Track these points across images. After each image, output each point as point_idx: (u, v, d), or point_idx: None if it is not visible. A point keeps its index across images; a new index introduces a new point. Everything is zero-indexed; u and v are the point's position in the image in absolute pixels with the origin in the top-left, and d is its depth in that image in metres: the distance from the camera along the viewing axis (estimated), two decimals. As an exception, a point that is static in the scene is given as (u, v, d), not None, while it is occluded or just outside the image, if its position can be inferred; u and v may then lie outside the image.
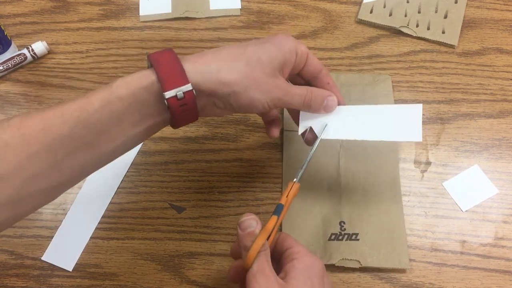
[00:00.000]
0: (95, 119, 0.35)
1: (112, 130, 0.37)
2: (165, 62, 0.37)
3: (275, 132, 0.48)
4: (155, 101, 0.37)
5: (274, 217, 0.39)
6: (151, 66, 0.38)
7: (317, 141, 0.45)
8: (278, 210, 0.40)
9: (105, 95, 0.36)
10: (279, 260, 0.40)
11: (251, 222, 0.38)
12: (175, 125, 0.41)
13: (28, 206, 0.36)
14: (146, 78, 0.37)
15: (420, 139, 0.44)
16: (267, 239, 0.38)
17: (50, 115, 0.35)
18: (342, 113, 0.45)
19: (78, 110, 0.35)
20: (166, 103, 0.37)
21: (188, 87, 0.37)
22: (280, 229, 0.51)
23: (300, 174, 0.43)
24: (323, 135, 0.45)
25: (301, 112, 0.46)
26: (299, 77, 0.45)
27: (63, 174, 0.36)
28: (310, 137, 0.46)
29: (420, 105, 0.45)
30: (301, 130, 0.46)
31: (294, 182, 0.42)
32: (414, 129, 0.45)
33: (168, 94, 0.36)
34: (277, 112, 0.49)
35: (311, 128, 0.45)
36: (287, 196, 0.41)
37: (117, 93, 0.36)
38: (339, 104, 0.45)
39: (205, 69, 0.38)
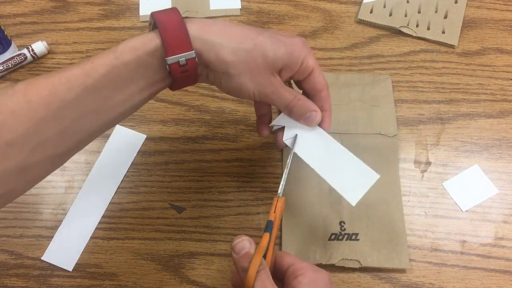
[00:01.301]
0: (100, 85, 0.35)
1: (117, 96, 0.36)
2: (170, 26, 0.36)
3: (265, 130, 0.47)
4: (159, 66, 0.37)
5: (267, 234, 0.39)
6: (153, 25, 0.37)
7: (291, 154, 0.44)
8: (269, 226, 0.40)
9: (110, 60, 0.35)
10: (282, 279, 0.39)
11: (244, 244, 0.38)
12: (174, 88, 0.40)
13: (37, 173, 0.36)
14: (150, 42, 0.36)
15: (353, 203, 0.44)
16: (264, 257, 0.37)
17: (55, 81, 0.34)
18: (316, 134, 0.45)
19: (83, 76, 0.35)
20: (167, 68, 0.36)
21: (191, 54, 0.36)
22: (280, 232, 0.51)
23: (282, 188, 0.43)
24: (295, 148, 0.45)
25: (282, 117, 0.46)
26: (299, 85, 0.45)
27: (70, 140, 0.36)
28: (279, 136, 0.46)
29: (377, 176, 0.44)
30: (274, 122, 0.46)
31: (279, 196, 0.42)
32: (356, 191, 0.44)
33: (171, 59, 0.36)
34: (269, 108, 0.49)
35: (283, 128, 0.45)
36: (274, 212, 0.41)
37: (122, 58, 0.35)
38: (322, 127, 0.45)
39: (210, 39, 0.37)
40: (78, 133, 0.36)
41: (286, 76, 0.42)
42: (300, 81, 0.44)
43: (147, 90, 0.38)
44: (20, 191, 0.36)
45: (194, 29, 0.37)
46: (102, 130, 0.38)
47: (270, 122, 0.48)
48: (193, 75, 0.38)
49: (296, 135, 0.45)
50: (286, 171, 0.44)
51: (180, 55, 0.36)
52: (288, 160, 0.45)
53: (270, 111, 0.48)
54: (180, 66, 0.37)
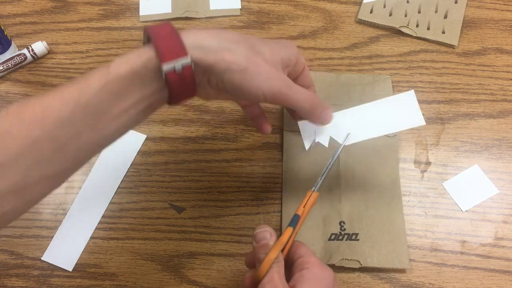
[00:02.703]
0: (95, 101, 0.34)
1: (112, 111, 0.36)
2: (163, 35, 0.36)
3: (267, 127, 0.47)
4: (154, 77, 0.36)
5: (290, 229, 0.39)
6: (147, 41, 0.37)
7: (340, 148, 0.44)
8: (294, 221, 0.39)
9: (103, 75, 0.35)
10: (290, 267, 0.39)
11: (265, 234, 0.38)
12: (172, 101, 0.40)
13: (34, 194, 0.36)
14: (144, 54, 0.36)
15: (423, 122, 0.45)
16: (282, 250, 0.38)
17: (49, 100, 0.34)
18: (341, 119, 0.46)
19: (77, 92, 0.34)
20: (163, 76, 0.36)
21: (186, 59, 0.36)
22: (280, 232, 0.51)
23: (319, 183, 0.42)
24: (346, 142, 0.45)
25: (300, 127, 0.45)
26: None
27: (67, 159, 0.35)
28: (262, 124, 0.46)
29: (412, 91, 0.46)
30: (307, 145, 0.46)
31: (313, 191, 0.41)
32: (414, 114, 0.45)
33: (166, 66, 0.35)
34: (260, 108, 0.48)
35: (317, 142, 0.46)
36: (304, 206, 0.40)
37: (116, 72, 0.35)
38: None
39: (206, 44, 0.37)
40: (75, 151, 0.36)
41: (285, 73, 0.42)
42: (293, 80, 0.43)
43: (143, 102, 0.37)
44: (20, 211, 0.36)
45: (187, 38, 0.37)
46: (99, 147, 0.38)
47: (266, 118, 0.48)
48: (191, 83, 0.37)
49: (349, 134, 0.46)
50: (329, 167, 0.43)
51: (176, 60, 0.35)
52: (336, 153, 0.45)
53: (262, 109, 0.48)
54: (176, 74, 0.36)
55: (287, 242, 0.38)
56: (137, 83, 0.36)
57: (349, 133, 0.45)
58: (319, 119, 0.43)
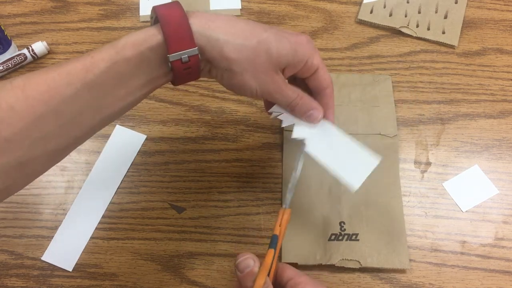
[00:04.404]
0: (101, 81, 0.34)
1: (118, 92, 0.36)
2: (173, 22, 0.35)
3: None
4: (160, 62, 0.36)
5: (271, 251, 0.38)
6: (155, 19, 0.37)
7: (301, 158, 0.44)
8: (273, 242, 0.39)
9: (111, 55, 0.35)
10: None
11: (248, 262, 0.37)
12: (175, 83, 0.40)
13: (36, 167, 0.36)
14: (152, 38, 0.35)
15: (354, 188, 0.43)
16: (268, 274, 0.37)
17: (55, 76, 0.34)
18: (322, 129, 0.45)
19: (83, 71, 0.34)
20: (169, 64, 0.36)
21: (194, 51, 0.36)
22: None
23: (289, 199, 0.42)
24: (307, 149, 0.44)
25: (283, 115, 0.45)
26: (303, 82, 0.45)
27: (70, 136, 0.35)
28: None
29: (377, 160, 0.44)
30: (273, 108, 0.44)
31: (285, 208, 0.41)
32: (357, 176, 0.43)
33: (173, 56, 0.35)
34: None
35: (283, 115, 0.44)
36: (280, 225, 0.40)
37: (123, 54, 0.35)
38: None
39: (214, 35, 0.37)
40: (78, 128, 0.36)
41: (289, 73, 0.42)
42: (304, 79, 0.44)
43: (148, 85, 0.38)
44: (19, 185, 0.36)
45: (197, 24, 0.36)
46: (102, 125, 0.38)
47: None
48: (195, 71, 0.38)
49: (304, 140, 0.44)
50: (294, 179, 0.43)
51: (183, 51, 0.36)
52: (297, 166, 0.43)
53: None
54: (182, 63, 0.36)
55: (272, 264, 0.38)
56: (144, 66, 0.36)
57: (304, 139, 0.44)
58: (303, 117, 0.44)
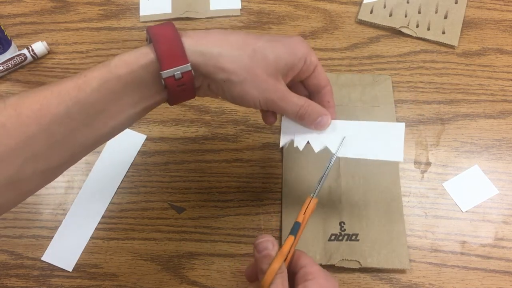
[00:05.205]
0: (93, 99, 0.34)
1: (110, 110, 0.36)
2: (165, 39, 0.36)
3: (272, 118, 0.46)
4: (153, 80, 0.36)
5: (291, 237, 0.38)
6: (149, 40, 0.37)
7: (333, 158, 0.43)
8: (295, 229, 0.38)
9: (103, 74, 0.35)
10: (292, 278, 0.38)
11: (267, 244, 0.37)
12: (171, 103, 0.40)
13: (28, 186, 0.36)
14: (144, 56, 0.36)
15: (401, 159, 0.43)
16: (284, 260, 0.37)
17: (47, 95, 0.34)
18: (332, 128, 0.44)
19: (76, 90, 0.34)
20: (163, 82, 0.36)
21: (187, 67, 0.36)
22: (280, 232, 0.51)
23: (318, 189, 0.41)
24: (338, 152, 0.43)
25: (282, 122, 0.44)
26: (301, 85, 0.44)
27: (62, 154, 0.35)
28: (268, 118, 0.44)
29: (403, 124, 0.43)
30: (282, 142, 0.44)
31: (312, 197, 0.41)
32: (396, 148, 0.43)
33: (166, 73, 0.35)
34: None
35: (295, 146, 0.44)
36: (304, 213, 0.39)
37: (116, 72, 0.35)
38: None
39: (207, 50, 0.37)
40: (71, 147, 0.36)
41: (291, 76, 0.41)
42: (304, 80, 0.43)
43: (141, 104, 0.37)
44: (11, 204, 0.36)
45: (189, 42, 0.36)
46: (96, 144, 0.38)
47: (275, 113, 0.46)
48: (190, 88, 0.38)
49: (344, 137, 0.43)
50: (326, 172, 0.42)
51: (175, 68, 0.36)
52: (331, 162, 0.43)
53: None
54: (175, 80, 0.36)
55: (289, 251, 0.37)
56: (137, 85, 0.36)
57: (344, 137, 0.43)
58: (312, 125, 0.43)
